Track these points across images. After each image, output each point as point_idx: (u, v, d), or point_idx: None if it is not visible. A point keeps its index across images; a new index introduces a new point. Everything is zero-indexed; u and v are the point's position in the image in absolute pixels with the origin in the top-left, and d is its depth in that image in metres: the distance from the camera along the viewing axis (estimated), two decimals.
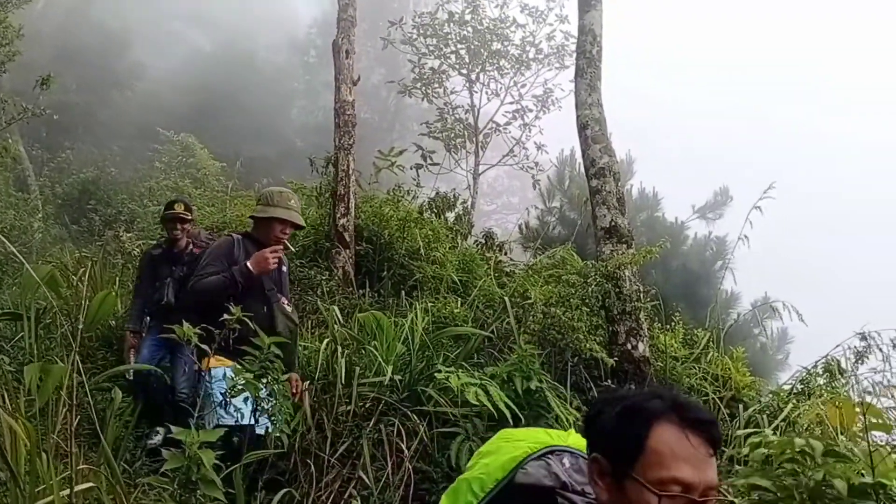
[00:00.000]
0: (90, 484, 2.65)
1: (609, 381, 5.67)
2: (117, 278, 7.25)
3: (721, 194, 14.14)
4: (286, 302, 4.07)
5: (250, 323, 3.25)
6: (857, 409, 1.82)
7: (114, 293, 6.11)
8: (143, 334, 5.41)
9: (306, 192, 8.43)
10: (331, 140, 7.89)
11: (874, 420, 1.88)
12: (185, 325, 2.96)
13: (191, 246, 5.58)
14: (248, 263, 3.77)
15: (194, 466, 2.11)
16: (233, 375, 3.19)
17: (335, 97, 7.92)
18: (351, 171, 7.51)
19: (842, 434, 2.39)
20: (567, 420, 4.95)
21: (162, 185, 12.19)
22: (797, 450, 1.85)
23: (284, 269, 4.43)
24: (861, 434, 2.12)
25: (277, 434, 3.33)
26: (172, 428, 2.39)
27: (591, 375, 5.77)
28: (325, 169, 7.88)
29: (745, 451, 2.15)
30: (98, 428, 3.25)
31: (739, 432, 3.14)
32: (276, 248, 3.90)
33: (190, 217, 5.67)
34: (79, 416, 3.92)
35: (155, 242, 6.11)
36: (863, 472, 1.88)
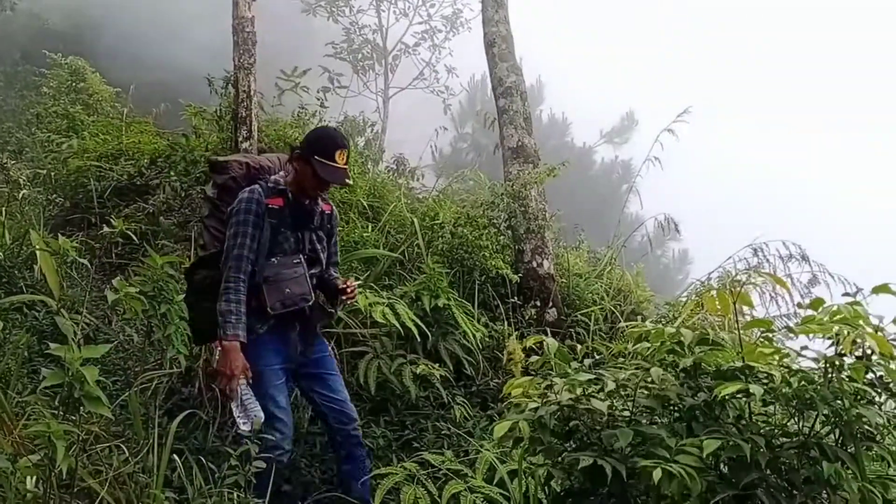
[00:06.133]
0: None
1: (515, 297, 5.81)
2: (3, 208, 6.80)
3: (627, 119, 14.48)
4: None
5: None
6: (729, 298, 1.93)
7: None
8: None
9: (207, 116, 8.06)
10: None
11: (745, 307, 1.99)
12: None
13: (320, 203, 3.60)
14: None
15: (76, 384, 2.03)
16: None
17: (233, 13, 7.45)
18: (252, 93, 7.16)
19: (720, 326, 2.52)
20: (475, 336, 5.07)
21: (51, 112, 11.39)
22: (673, 340, 1.95)
23: None
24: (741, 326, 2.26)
25: (174, 354, 3.24)
26: (51, 345, 2.23)
27: (498, 293, 5.88)
28: (224, 90, 7.52)
29: (630, 346, 2.26)
30: None
31: (622, 324, 3.28)
32: None
33: None
34: None
35: (261, 185, 3.40)
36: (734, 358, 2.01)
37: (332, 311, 3.70)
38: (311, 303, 3.34)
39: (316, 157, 3.28)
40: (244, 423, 3.02)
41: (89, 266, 2.72)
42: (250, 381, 3.13)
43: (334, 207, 3.72)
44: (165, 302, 3.04)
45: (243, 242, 3.24)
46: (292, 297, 3.27)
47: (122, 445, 2.98)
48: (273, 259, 3.30)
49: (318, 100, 8.28)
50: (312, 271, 3.42)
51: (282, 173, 3.47)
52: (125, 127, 8.81)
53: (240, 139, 7.03)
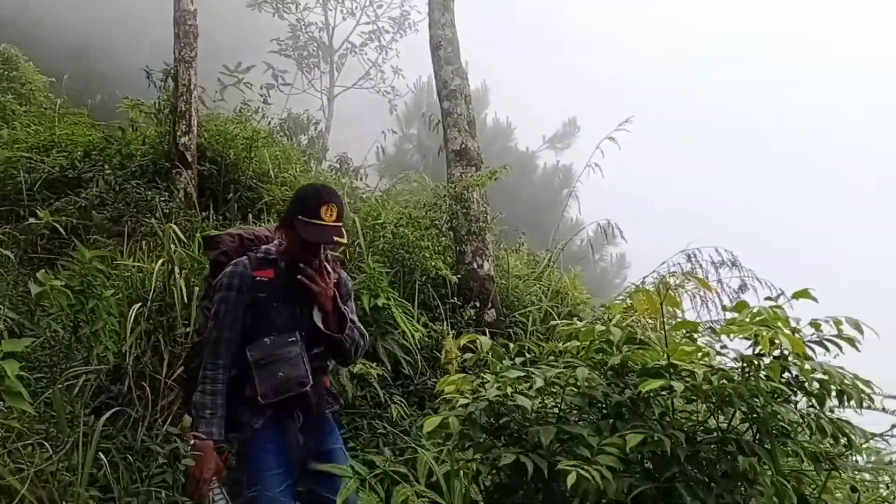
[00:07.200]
0: None
1: (455, 298, 5.85)
2: None
3: (569, 125, 14.74)
4: None
5: None
6: (657, 298, 2.01)
7: None
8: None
9: (144, 109, 7.87)
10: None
11: (671, 308, 2.06)
12: None
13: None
14: None
15: None
16: None
17: (175, 6, 7.33)
18: (193, 87, 7.04)
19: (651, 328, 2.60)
20: (413, 336, 5.08)
21: None
22: (602, 339, 2.01)
23: None
24: (672, 326, 2.35)
25: (101, 351, 3.15)
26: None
27: (438, 294, 5.91)
28: (163, 83, 7.36)
29: (562, 345, 2.32)
30: None
31: (554, 322, 3.36)
32: None
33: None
34: None
35: (250, 256, 2.98)
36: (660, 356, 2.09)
37: (339, 394, 3.27)
38: (308, 386, 2.86)
39: (299, 216, 2.81)
40: None
41: (12, 258, 2.62)
42: (224, 484, 2.71)
43: (343, 273, 3.16)
44: (94, 297, 2.96)
45: (223, 323, 2.81)
46: (286, 383, 2.80)
47: (45, 443, 2.88)
48: (266, 339, 2.83)
49: (262, 96, 8.19)
50: (314, 351, 2.95)
51: (275, 242, 3.05)
52: (58, 118, 8.54)
53: (178, 133, 6.89)
